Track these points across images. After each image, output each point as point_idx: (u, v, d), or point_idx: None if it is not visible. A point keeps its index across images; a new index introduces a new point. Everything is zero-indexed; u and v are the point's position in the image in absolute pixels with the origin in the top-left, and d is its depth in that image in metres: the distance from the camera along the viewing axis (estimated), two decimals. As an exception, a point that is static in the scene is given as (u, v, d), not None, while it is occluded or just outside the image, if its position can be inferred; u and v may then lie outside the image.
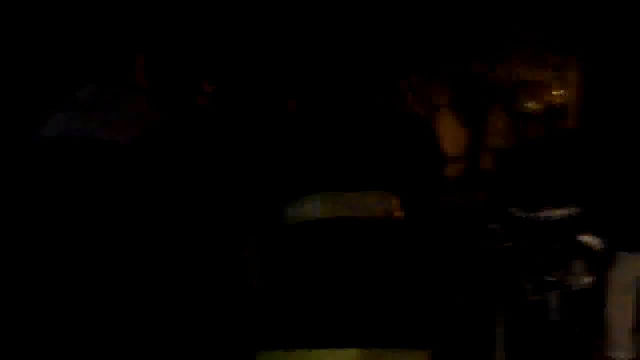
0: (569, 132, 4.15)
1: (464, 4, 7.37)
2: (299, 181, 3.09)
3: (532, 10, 7.98)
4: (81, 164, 2.68)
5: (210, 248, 2.76)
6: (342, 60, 3.52)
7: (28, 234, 2.63)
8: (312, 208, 3.09)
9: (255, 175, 3.09)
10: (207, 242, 2.78)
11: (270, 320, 3.14)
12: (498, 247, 3.94)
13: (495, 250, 4.01)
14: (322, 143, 3.14)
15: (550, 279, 3.94)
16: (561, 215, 3.99)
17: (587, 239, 4.06)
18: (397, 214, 3.18)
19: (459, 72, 7.39)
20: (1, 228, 2.64)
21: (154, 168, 2.60)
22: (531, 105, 4.11)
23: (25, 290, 2.56)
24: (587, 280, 3.96)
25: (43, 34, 5.20)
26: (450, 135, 6.46)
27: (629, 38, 8.68)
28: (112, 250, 2.48)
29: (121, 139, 2.64)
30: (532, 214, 4.01)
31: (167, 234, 2.65)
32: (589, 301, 4.13)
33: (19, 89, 4.87)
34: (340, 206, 3.08)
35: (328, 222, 3.05)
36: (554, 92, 4.43)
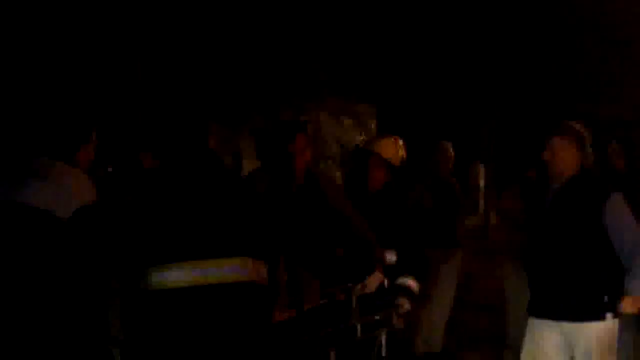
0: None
1: (267, 59, 7.75)
2: (161, 248, 3.25)
3: (334, 64, 8.53)
4: (18, 227, 3.01)
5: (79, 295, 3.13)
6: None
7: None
8: (175, 276, 3.24)
9: (119, 242, 3.28)
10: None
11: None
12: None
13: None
14: (181, 211, 3.31)
15: (377, 317, 4.32)
16: (389, 260, 4.39)
17: (406, 280, 4.50)
18: (257, 278, 3.37)
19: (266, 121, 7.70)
20: None
21: (79, 241, 2.99)
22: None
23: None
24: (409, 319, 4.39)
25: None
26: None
27: (421, 91, 9.49)
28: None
29: (60, 213, 3.02)
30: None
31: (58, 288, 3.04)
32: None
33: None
34: (202, 274, 3.25)
35: (188, 291, 3.23)
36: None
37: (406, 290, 4.45)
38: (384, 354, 4.31)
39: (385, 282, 4.42)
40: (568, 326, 4.34)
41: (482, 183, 8.54)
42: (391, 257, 4.37)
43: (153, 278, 3.25)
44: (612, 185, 4.60)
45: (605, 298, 4.30)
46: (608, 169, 5.98)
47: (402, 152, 4.69)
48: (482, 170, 8.25)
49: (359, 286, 4.21)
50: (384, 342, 4.30)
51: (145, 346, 3.29)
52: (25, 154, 3.32)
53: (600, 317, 4.29)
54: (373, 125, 8.66)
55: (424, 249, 4.73)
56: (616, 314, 4.32)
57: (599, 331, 4.31)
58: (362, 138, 8.15)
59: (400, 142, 4.73)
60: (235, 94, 7.47)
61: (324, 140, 8.25)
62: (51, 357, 3.18)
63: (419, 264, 4.57)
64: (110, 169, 5.18)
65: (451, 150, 6.73)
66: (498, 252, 6.76)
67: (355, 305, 4.22)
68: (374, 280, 4.33)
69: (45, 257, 3.16)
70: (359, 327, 4.21)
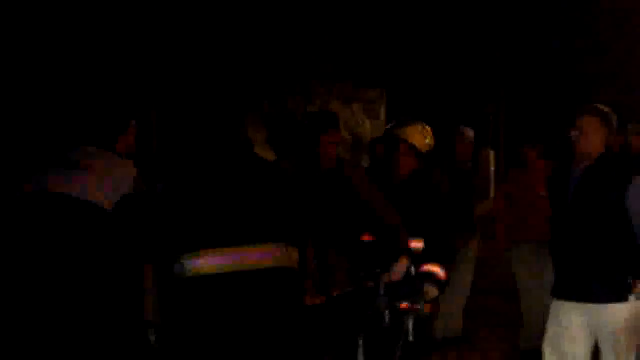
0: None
1: (275, 45, 7.74)
2: (197, 235, 3.29)
3: (343, 50, 8.52)
4: (62, 218, 3.02)
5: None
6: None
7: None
8: (210, 262, 3.28)
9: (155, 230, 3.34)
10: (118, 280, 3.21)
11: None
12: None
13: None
14: (216, 198, 3.35)
15: (405, 304, 4.33)
16: (415, 247, 4.40)
17: (432, 267, 4.52)
18: (289, 263, 3.41)
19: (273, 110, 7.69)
20: None
21: (119, 230, 3.02)
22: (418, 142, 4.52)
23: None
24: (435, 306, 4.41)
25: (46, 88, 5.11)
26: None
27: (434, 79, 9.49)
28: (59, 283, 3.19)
29: (105, 204, 3.06)
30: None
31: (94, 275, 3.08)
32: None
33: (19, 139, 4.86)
34: (237, 260, 3.29)
35: (224, 277, 3.27)
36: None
37: (432, 277, 4.47)
38: (410, 340, 4.34)
39: (412, 269, 4.42)
40: (592, 307, 4.36)
41: (492, 168, 8.54)
42: (417, 244, 4.39)
43: (189, 264, 3.31)
44: (634, 167, 4.59)
45: (629, 279, 4.32)
46: (626, 150, 6.00)
47: (429, 139, 4.70)
48: (492, 155, 8.25)
49: (386, 274, 4.23)
50: (411, 328, 4.32)
51: (182, 331, 3.34)
52: (67, 143, 3.34)
53: (624, 298, 4.32)
54: (382, 110, 8.66)
55: (449, 236, 4.75)
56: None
57: (623, 312, 4.32)
58: (389, 126, 8.14)
59: (428, 128, 4.73)
60: (243, 81, 7.46)
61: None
62: (90, 339, 3.24)
63: (444, 251, 4.59)
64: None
65: (470, 135, 6.73)
66: (506, 237, 6.78)
67: (383, 292, 4.24)
68: (401, 268, 4.35)
69: (85, 246, 3.19)
70: (386, 313, 4.24)
